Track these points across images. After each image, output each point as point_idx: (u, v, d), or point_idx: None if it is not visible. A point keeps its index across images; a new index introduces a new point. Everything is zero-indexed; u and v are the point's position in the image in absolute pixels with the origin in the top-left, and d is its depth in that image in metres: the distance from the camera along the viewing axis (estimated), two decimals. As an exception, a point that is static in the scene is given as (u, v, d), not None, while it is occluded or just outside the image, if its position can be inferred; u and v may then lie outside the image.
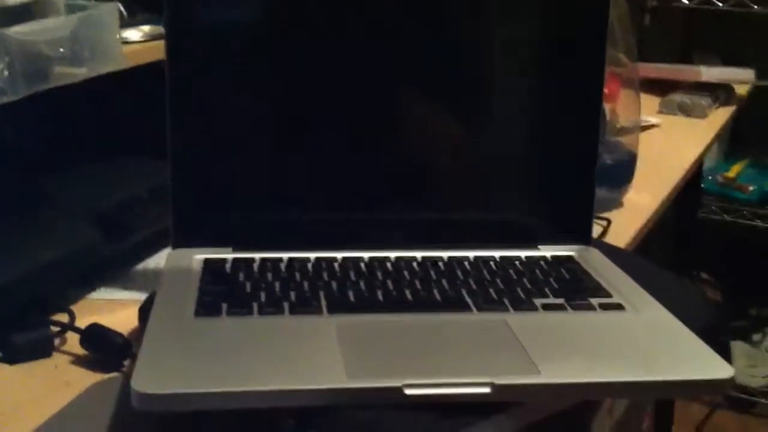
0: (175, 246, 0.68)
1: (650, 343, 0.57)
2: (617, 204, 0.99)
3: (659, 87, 1.50)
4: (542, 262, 0.69)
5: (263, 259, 0.66)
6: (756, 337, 2.05)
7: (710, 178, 2.11)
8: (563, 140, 0.73)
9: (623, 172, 1.00)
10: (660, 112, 1.45)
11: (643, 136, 1.11)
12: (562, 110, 0.73)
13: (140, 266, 0.79)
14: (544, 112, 0.73)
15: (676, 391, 0.58)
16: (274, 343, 0.54)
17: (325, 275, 0.64)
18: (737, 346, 2.00)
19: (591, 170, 0.73)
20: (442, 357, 0.53)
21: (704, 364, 0.53)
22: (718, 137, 1.45)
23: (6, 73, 0.61)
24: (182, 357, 0.51)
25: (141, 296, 0.69)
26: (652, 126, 1.35)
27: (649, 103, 1.44)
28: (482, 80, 0.72)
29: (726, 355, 0.55)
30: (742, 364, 1.96)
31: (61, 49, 0.65)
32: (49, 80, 0.65)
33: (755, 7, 1.86)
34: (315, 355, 0.52)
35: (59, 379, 0.61)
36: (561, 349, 0.55)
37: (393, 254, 0.68)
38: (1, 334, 0.63)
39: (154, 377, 0.48)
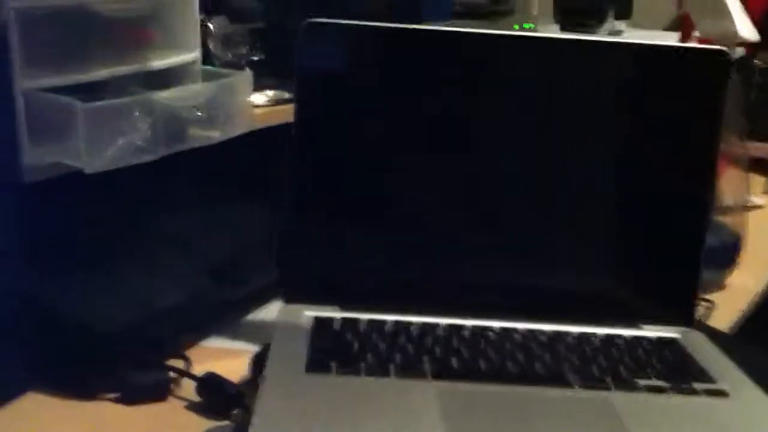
0: (286, 302, 0.71)
1: (754, 435, 0.57)
2: (720, 286, 0.97)
3: (765, 167, 1.47)
4: (645, 343, 0.69)
5: (369, 320, 0.69)
6: None
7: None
8: (672, 220, 0.73)
9: (727, 253, 0.99)
10: (766, 192, 1.42)
11: (748, 216, 1.09)
12: (672, 190, 0.73)
13: (250, 317, 0.83)
14: (654, 190, 0.74)
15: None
16: (380, 405, 0.56)
17: (428, 340, 0.66)
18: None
19: (698, 251, 0.73)
20: (544, 433, 0.54)
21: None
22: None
23: (149, 133, 0.67)
24: (296, 413, 0.54)
25: (250, 347, 0.73)
26: (757, 207, 1.33)
27: (754, 182, 1.42)
28: (595, 158, 0.74)
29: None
30: None
31: (199, 113, 0.70)
32: (186, 142, 0.70)
33: None
34: (418, 422, 0.54)
35: (172, 423, 0.64)
36: (663, 432, 0.56)
37: (495, 324, 0.70)
38: (121, 375, 0.67)
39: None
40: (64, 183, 0.67)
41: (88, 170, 0.65)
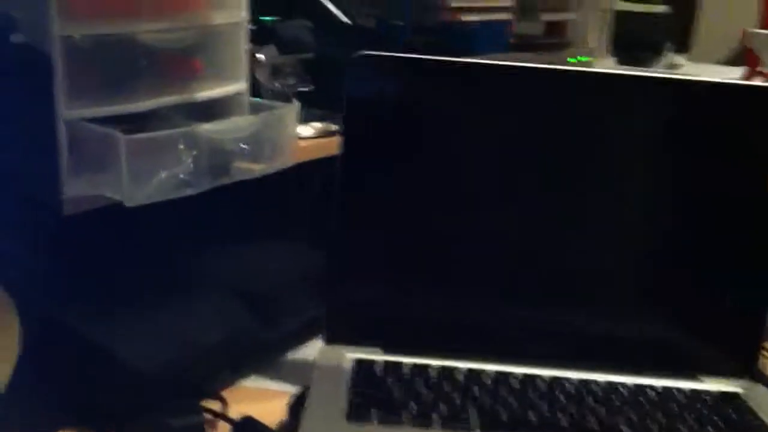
0: (327, 342, 0.69)
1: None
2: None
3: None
4: (706, 397, 0.65)
5: (414, 365, 0.66)
6: None
7: None
8: (734, 267, 0.69)
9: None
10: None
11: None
12: (735, 235, 0.69)
13: (289, 356, 0.80)
14: (716, 235, 0.70)
15: None
16: (423, 458, 0.53)
17: (475, 389, 0.63)
18: None
19: (763, 299, 0.69)
20: (599, 495, 0.51)
21: None
22: None
23: (192, 166, 0.65)
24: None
25: (289, 388, 0.70)
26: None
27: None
28: (655, 202, 0.70)
29: None
30: None
31: (244, 146, 0.69)
32: (230, 175, 0.68)
33: None
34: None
35: (208, 466, 0.62)
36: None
37: (546, 373, 0.66)
38: (158, 416, 0.65)
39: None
40: (103, 215, 0.65)
41: (129, 203, 0.64)
